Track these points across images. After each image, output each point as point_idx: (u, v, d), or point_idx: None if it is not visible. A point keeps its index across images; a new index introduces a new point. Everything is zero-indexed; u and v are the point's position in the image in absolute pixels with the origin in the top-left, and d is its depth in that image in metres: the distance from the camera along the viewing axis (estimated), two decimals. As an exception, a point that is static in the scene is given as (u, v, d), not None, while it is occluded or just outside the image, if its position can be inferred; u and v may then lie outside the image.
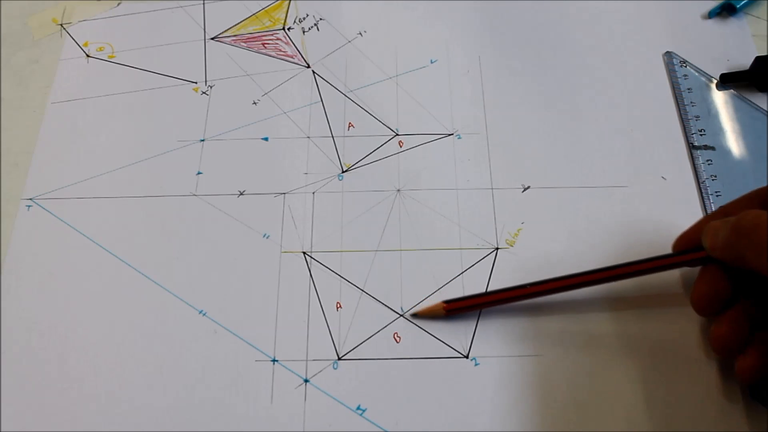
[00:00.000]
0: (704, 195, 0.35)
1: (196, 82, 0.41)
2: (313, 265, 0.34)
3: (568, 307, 0.33)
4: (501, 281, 0.33)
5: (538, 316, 0.32)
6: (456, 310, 0.32)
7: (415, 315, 0.33)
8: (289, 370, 0.32)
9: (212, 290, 0.34)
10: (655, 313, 0.32)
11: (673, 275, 0.33)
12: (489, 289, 0.33)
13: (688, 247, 0.30)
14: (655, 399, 0.30)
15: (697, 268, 0.30)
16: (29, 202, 0.37)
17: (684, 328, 0.32)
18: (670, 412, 0.30)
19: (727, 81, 0.39)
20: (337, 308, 0.33)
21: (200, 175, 0.38)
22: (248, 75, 0.41)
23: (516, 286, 0.32)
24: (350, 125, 0.39)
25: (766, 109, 0.38)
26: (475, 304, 0.32)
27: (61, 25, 0.44)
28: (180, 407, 0.31)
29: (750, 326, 0.28)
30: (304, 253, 0.35)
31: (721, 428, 0.29)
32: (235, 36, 0.43)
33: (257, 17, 0.44)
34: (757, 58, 0.38)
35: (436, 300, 0.33)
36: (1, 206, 0.37)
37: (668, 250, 0.33)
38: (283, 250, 0.35)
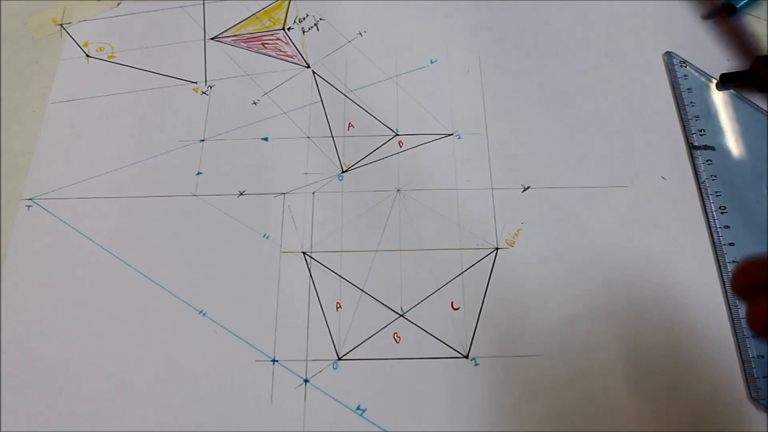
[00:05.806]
0: (704, 195, 0.35)
1: (196, 82, 0.41)
2: (313, 265, 0.34)
3: (569, 307, 0.33)
4: (501, 281, 0.33)
5: (538, 316, 0.32)
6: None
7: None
8: (289, 370, 0.32)
9: (212, 290, 0.34)
10: (654, 314, 0.32)
11: (673, 278, 0.33)
12: (487, 288, 0.33)
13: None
14: (656, 399, 0.30)
15: None
16: (29, 202, 0.37)
17: (683, 328, 0.32)
18: (670, 412, 0.30)
19: (727, 81, 0.39)
20: (337, 308, 0.33)
21: (200, 175, 0.38)
22: (248, 75, 0.41)
23: None
24: (350, 125, 0.39)
25: (766, 109, 0.38)
26: None
27: (61, 25, 0.44)
28: (180, 407, 0.31)
29: None
30: (304, 253, 0.35)
31: (722, 428, 0.29)
32: (235, 36, 0.43)
33: (257, 17, 0.44)
34: (757, 58, 0.38)
35: (437, 300, 0.33)
36: (1, 206, 0.37)
37: (668, 251, 0.33)
38: (283, 250, 0.35)
